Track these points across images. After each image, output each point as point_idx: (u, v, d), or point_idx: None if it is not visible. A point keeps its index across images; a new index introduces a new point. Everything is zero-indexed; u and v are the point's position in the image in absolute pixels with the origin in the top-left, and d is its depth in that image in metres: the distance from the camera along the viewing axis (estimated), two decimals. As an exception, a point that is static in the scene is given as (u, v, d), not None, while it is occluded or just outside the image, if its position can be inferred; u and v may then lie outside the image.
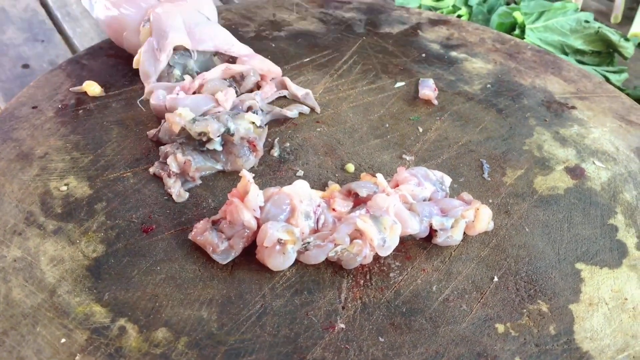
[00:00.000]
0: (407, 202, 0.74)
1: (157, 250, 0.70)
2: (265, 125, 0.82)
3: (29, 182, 0.76)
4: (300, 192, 0.71)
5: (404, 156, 0.84)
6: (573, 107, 0.93)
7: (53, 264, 0.68)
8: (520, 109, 0.92)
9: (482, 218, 0.73)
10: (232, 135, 0.75)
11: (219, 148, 0.76)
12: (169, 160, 0.74)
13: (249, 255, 0.70)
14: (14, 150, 0.80)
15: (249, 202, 0.68)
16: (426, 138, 0.86)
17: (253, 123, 0.77)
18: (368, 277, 0.69)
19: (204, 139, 0.73)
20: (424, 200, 0.76)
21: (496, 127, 0.89)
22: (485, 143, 0.86)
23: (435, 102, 0.91)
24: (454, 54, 1.03)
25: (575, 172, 0.83)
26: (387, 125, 0.88)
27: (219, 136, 0.75)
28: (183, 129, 0.74)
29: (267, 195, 0.71)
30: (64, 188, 0.75)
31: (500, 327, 0.66)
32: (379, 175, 0.74)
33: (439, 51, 1.04)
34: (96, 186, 0.76)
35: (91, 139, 0.82)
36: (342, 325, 0.65)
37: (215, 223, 0.71)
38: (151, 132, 0.80)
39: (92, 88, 0.86)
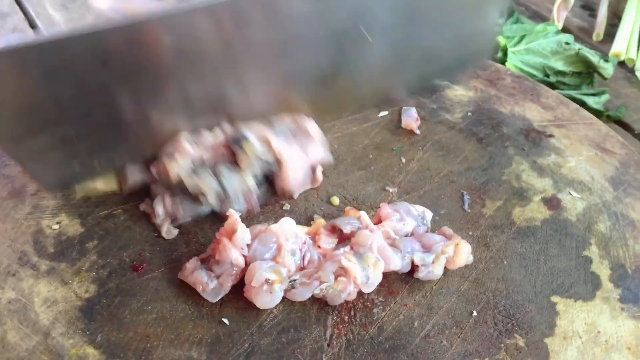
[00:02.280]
0: (390, 238, 0.76)
1: (148, 289, 0.72)
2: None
3: (22, 220, 0.77)
4: (286, 229, 0.73)
5: (387, 188, 0.86)
6: (551, 136, 0.96)
7: (47, 305, 0.69)
8: (499, 137, 0.94)
9: (462, 253, 0.75)
10: (227, 193, 0.75)
11: (215, 205, 0.76)
12: (156, 203, 0.76)
13: (237, 293, 0.71)
14: (6, 188, 0.81)
15: (237, 240, 0.70)
16: (409, 169, 0.88)
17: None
18: (352, 312, 0.71)
19: (201, 196, 0.74)
20: (406, 235, 0.78)
21: (476, 157, 0.91)
22: (465, 173, 0.88)
23: (418, 131, 0.93)
24: (436, 81, 1.04)
25: (551, 202, 0.86)
26: (371, 156, 0.90)
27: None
28: (180, 180, 0.75)
29: (254, 233, 0.73)
30: (56, 226, 0.77)
31: (479, 363, 0.68)
32: (363, 212, 0.76)
33: (421, 78, 1.06)
34: (87, 224, 0.78)
35: (82, 174, 0.83)
36: (328, 363, 0.67)
37: (204, 261, 0.73)
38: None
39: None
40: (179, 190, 0.75)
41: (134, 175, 0.77)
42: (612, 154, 0.94)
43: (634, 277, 0.78)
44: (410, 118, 0.94)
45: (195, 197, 0.74)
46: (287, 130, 0.81)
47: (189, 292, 0.72)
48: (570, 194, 0.87)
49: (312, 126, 0.82)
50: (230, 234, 0.70)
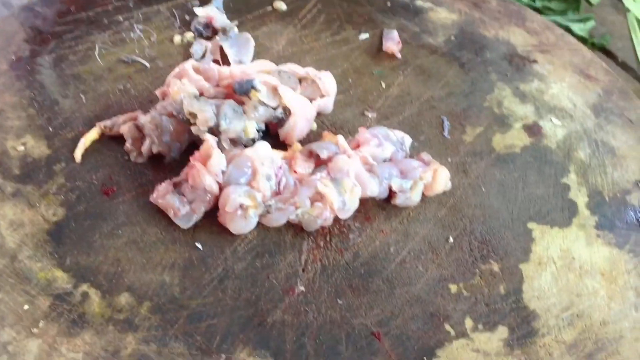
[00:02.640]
0: (368, 164, 0.74)
1: (118, 213, 0.70)
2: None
3: (-15, 141, 0.74)
4: (261, 154, 0.71)
5: (366, 113, 0.83)
6: (534, 61, 0.93)
7: (13, 228, 0.67)
8: (482, 62, 0.92)
9: (440, 179, 0.74)
10: (219, 131, 0.71)
11: (211, 140, 0.72)
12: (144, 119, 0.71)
13: (211, 218, 0.70)
14: (-33, 107, 0.77)
15: (212, 167, 0.68)
16: (389, 94, 0.86)
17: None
18: (328, 238, 0.70)
19: (192, 120, 0.70)
20: (384, 160, 0.76)
21: (458, 83, 0.88)
22: (446, 99, 0.86)
23: (399, 55, 0.90)
24: (419, 3, 1.01)
25: (532, 129, 0.84)
26: (351, 80, 0.87)
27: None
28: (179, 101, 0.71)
29: (229, 157, 0.71)
30: (21, 148, 0.74)
31: (453, 288, 0.68)
32: (340, 137, 0.74)
33: (404, 0, 1.01)
34: (54, 146, 0.75)
35: (47, 94, 0.80)
36: (302, 288, 0.66)
37: (176, 185, 0.71)
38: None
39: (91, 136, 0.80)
40: (173, 110, 0.71)
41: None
42: (596, 81, 0.92)
43: (611, 204, 0.77)
44: (392, 41, 0.90)
45: (187, 123, 0.70)
46: (295, 79, 0.77)
47: (161, 216, 0.70)
48: (551, 120, 0.86)
49: (327, 77, 0.78)
50: (205, 160, 0.68)
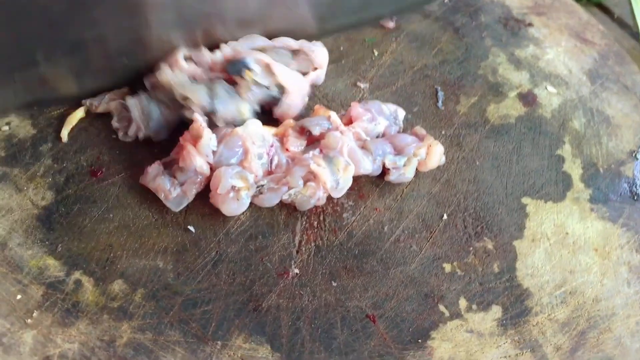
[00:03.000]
0: (361, 139, 0.72)
1: (108, 196, 0.68)
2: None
3: (-33, 121, 0.71)
4: (252, 132, 0.69)
5: (358, 84, 0.80)
6: (530, 24, 0.90)
7: (1, 214, 0.65)
8: (477, 27, 0.88)
9: (434, 155, 0.72)
10: (214, 114, 0.69)
11: (200, 120, 0.69)
12: (130, 102, 0.68)
13: (203, 199, 0.68)
14: (-52, 85, 0.73)
15: (202, 147, 0.66)
16: (381, 62, 0.83)
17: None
18: (322, 218, 0.69)
19: (186, 104, 0.67)
20: (378, 135, 0.74)
21: (452, 49, 0.85)
22: (440, 67, 0.83)
23: (392, 25, 0.86)
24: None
25: (527, 98, 0.82)
26: (342, 48, 0.84)
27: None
28: (169, 88, 0.68)
29: (220, 136, 0.68)
30: (6, 127, 0.71)
31: (448, 267, 0.67)
32: (333, 113, 0.71)
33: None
34: (39, 125, 0.72)
35: (30, 69, 0.76)
36: (297, 271, 0.65)
37: (166, 166, 0.69)
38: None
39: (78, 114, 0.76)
40: (166, 101, 0.68)
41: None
42: (592, 45, 0.89)
43: (605, 176, 0.76)
44: (384, 6, 0.86)
45: (178, 107, 0.67)
46: (288, 53, 0.73)
47: (152, 198, 0.68)
48: (546, 88, 0.83)
49: (319, 49, 0.75)
50: (195, 140, 0.65)
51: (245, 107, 0.67)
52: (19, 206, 0.66)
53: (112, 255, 0.64)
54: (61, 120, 0.72)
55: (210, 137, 0.66)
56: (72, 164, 0.69)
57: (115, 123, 0.70)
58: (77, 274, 0.63)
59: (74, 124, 0.70)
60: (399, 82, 0.81)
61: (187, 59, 0.69)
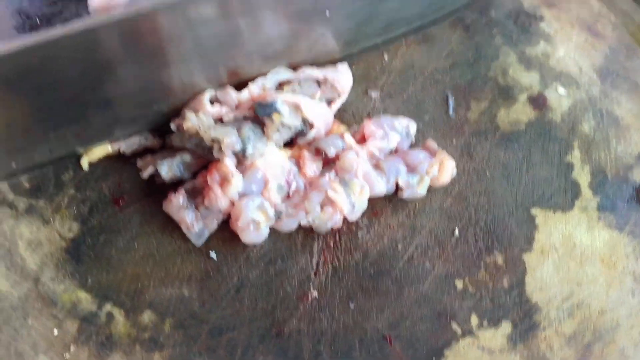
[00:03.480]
0: (375, 157, 0.73)
1: (132, 224, 0.69)
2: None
3: (-10, 152, 0.72)
4: (272, 163, 0.69)
5: (369, 92, 0.80)
6: (541, 19, 0.88)
7: (32, 248, 0.67)
8: (487, 24, 0.87)
9: (446, 172, 0.73)
10: (245, 157, 0.68)
11: (230, 165, 0.69)
12: (160, 164, 0.69)
13: (223, 224, 0.70)
14: (-33, 113, 0.74)
15: (229, 191, 0.67)
16: (392, 67, 0.82)
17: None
18: (338, 237, 0.71)
19: (216, 146, 0.67)
20: (390, 151, 0.74)
21: (462, 50, 0.84)
22: (451, 70, 0.82)
23: (402, 21, 0.85)
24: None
25: (537, 101, 0.81)
26: (352, 53, 0.83)
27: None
28: (196, 133, 0.67)
29: (241, 169, 0.69)
30: (28, 159, 0.71)
31: (459, 284, 0.69)
32: (347, 135, 0.72)
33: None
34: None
35: (46, 93, 0.76)
36: (315, 293, 0.67)
37: (189, 193, 0.70)
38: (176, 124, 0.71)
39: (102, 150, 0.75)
40: (192, 145, 0.68)
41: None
42: (603, 39, 0.87)
43: (613, 182, 0.77)
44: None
45: (206, 149, 0.67)
46: (315, 85, 0.73)
47: (174, 224, 0.70)
48: (556, 90, 0.83)
49: (344, 74, 0.75)
50: (222, 182, 0.66)
51: (272, 146, 0.68)
52: (47, 239, 0.68)
53: (139, 285, 0.66)
54: (80, 147, 0.73)
55: (239, 181, 0.66)
56: (95, 192, 0.71)
57: (140, 163, 0.70)
58: (108, 306, 0.65)
59: (96, 158, 0.71)
60: (410, 88, 0.81)
61: (213, 100, 0.68)
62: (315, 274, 0.69)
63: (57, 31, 0.52)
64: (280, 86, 0.74)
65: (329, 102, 0.77)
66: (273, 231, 0.70)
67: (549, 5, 0.90)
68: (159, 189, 0.71)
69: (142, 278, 0.67)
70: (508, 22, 0.88)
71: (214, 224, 0.68)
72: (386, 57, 0.84)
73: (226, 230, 0.70)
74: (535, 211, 0.75)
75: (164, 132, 0.72)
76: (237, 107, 0.69)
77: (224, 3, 0.57)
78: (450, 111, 0.80)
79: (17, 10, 0.78)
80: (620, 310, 0.70)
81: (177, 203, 0.69)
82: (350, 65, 0.81)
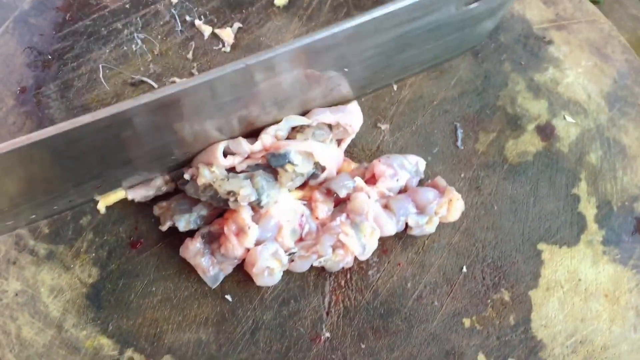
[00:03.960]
0: (385, 197, 0.73)
1: (149, 268, 0.71)
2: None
3: (9, 197, 0.72)
4: (285, 209, 0.70)
5: (379, 124, 0.80)
6: (550, 42, 0.87)
7: (54, 295, 0.69)
8: (496, 49, 0.86)
9: (455, 211, 0.74)
10: (261, 207, 0.68)
11: (247, 218, 0.69)
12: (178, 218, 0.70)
13: (237, 266, 0.71)
14: (-15, 157, 0.74)
15: (245, 242, 0.68)
16: (401, 98, 0.82)
17: None
18: (349, 276, 0.72)
19: (232, 198, 0.67)
20: (400, 189, 0.75)
21: (471, 77, 0.84)
22: (459, 100, 0.82)
23: (410, 48, 0.84)
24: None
25: (545, 131, 0.81)
26: (362, 84, 0.82)
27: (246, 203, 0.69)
28: (210, 185, 0.68)
29: (255, 218, 0.70)
30: (46, 204, 0.72)
31: (467, 322, 0.71)
32: (358, 179, 0.72)
33: (413, -31, 0.92)
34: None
35: (60, 134, 0.76)
36: (327, 334, 0.69)
37: (205, 237, 0.71)
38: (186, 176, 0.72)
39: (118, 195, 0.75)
40: (207, 198, 0.68)
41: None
42: (612, 63, 0.86)
43: (619, 214, 0.77)
44: (403, 35, 0.83)
45: (222, 200, 0.68)
46: (327, 129, 0.73)
47: (190, 267, 0.71)
48: (564, 118, 0.82)
49: (355, 115, 0.74)
50: (239, 231, 0.67)
51: (284, 192, 0.68)
52: (68, 286, 0.69)
53: (158, 330, 0.68)
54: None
55: (255, 231, 0.67)
56: (112, 236, 0.72)
57: (157, 211, 0.71)
58: (129, 352, 0.67)
59: (112, 202, 0.72)
60: (419, 120, 0.81)
61: (225, 152, 0.69)
62: (327, 314, 0.70)
63: (92, 116, 0.52)
64: (292, 131, 0.73)
65: (339, 141, 0.76)
66: (286, 271, 0.72)
67: (559, 28, 0.89)
68: (174, 231, 0.72)
69: (161, 322, 0.69)
70: (517, 46, 0.87)
71: (229, 269, 0.69)
72: (395, 87, 0.83)
73: (240, 272, 0.71)
74: (541, 246, 0.75)
75: (177, 177, 0.72)
76: (250, 156, 0.70)
77: (248, 73, 0.57)
78: (459, 142, 0.80)
79: (28, 47, 0.77)
80: (622, 346, 0.71)
81: (194, 249, 0.70)
82: (360, 97, 0.81)
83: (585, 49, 0.87)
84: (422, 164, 0.76)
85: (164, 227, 0.69)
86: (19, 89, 0.79)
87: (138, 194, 0.70)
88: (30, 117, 0.78)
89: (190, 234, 0.70)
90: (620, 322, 0.72)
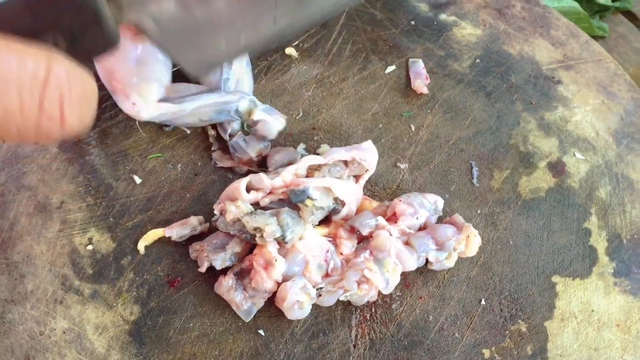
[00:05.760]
0: (406, 234, 0.78)
1: (186, 305, 0.76)
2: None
3: (55, 240, 0.78)
4: (311, 245, 0.75)
5: (398, 164, 0.85)
6: (559, 82, 0.92)
7: (99, 332, 0.73)
8: (507, 90, 0.91)
9: (472, 247, 0.78)
10: (286, 242, 0.74)
11: (273, 251, 0.74)
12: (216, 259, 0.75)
13: (268, 299, 0.75)
14: (31, 202, 0.80)
15: (273, 274, 0.72)
16: (418, 138, 0.87)
17: None
18: (374, 310, 0.76)
19: (258, 234, 0.72)
20: (420, 226, 0.79)
21: (485, 118, 0.88)
22: (474, 139, 0.87)
23: (427, 91, 0.89)
24: (443, 16, 0.97)
25: (556, 168, 0.86)
26: (381, 126, 0.87)
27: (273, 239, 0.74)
28: (238, 220, 0.73)
29: (283, 252, 0.75)
30: (90, 247, 0.78)
31: (487, 353, 0.75)
32: (380, 217, 0.77)
33: (427, 14, 0.98)
34: (118, 237, 0.79)
35: (101, 178, 0.82)
36: (355, 366, 0.73)
37: (237, 275, 0.75)
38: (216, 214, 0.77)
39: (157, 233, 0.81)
40: (235, 231, 0.73)
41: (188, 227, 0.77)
42: (619, 101, 0.91)
43: (628, 247, 0.81)
44: (420, 79, 0.89)
45: (251, 237, 0.73)
46: (343, 166, 0.78)
47: (224, 303, 0.76)
48: (574, 155, 0.87)
49: (370, 152, 0.79)
50: (267, 265, 0.72)
51: (310, 228, 0.73)
52: (112, 323, 0.74)
53: (197, 364, 0.73)
54: (135, 230, 0.79)
55: (282, 264, 0.72)
56: (151, 275, 0.77)
57: (193, 253, 0.76)
58: (170, 385, 0.72)
59: (151, 241, 0.77)
60: (436, 158, 0.85)
61: (248, 187, 0.74)
62: (354, 347, 0.75)
63: None
64: (310, 170, 0.79)
65: (357, 177, 0.81)
66: (314, 306, 0.76)
67: (567, 68, 0.93)
68: (210, 270, 0.77)
69: (199, 357, 0.73)
70: (527, 86, 0.92)
71: (260, 302, 0.74)
72: (412, 127, 0.88)
73: (272, 308, 0.76)
74: (555, 279, 0.80)
75: (210, 216, 0.77)
76: (272, 191, 0.75)
77: None
78: (475, 180, 0.85)
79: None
80: (635, 374, 0.75)
81: (227, 285, 0.75)
82: (379, 138, 0.86)
83: (593, 87, 0.92)
84: (440, 202, 0.81)
85: (203, 269, 0.74)
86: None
87: (175, 233, 0.75)
88: (72, 164, 0.83)
89: (224, 271, 0.75)
90: (632, 350, 0.76)
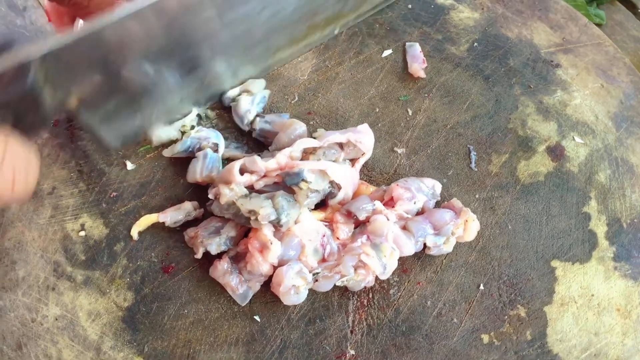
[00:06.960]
0: (403, 219, 0.77)
1: (181, 291, 0.74)
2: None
3: (46, 226, 0.77)
4: (307, 229, 0.74)
5: (395, 149, 0.84)
6: (558, 65, 0.90)
7: (91, 319, 0.72)
8: (506, 73, 0.89)
9: (471, 231, 0.77)
10: (281, 226, 0.72)
11: (268, 234, 0.73)
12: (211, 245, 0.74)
13: (265, 286, 0.74)
14: (22, 188, 0.78)
15: (270, 258, 0.71)
16: (416, 122, 0.85)
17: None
18: (371, 295, 0.75)
19: (252, 217, 0.71)
20: (418, 211, 0.78)
21: (482, 102, 0.87)
22: (472, 124, 0.86)
23: (424, 75, 0.88)
24: (440, 0, 0.95)
25: (555, 152, 0.85)
26: (378, 110, 0.86)
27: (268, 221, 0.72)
28: (233, 203, 0.71)
29: (279, 236, 0.74)
30: (82, 233, 0.76)
31: (485, 337, 0.74)
32: (377, 202, 0.76)
33: (424, -2, 0.96)
34: (111, 223, 0.77)
35: (93, 164, 0.81)
36: (352, 352, 0.72)
37: (233, 259, 0.74)
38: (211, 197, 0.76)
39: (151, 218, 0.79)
40: (230, 215, 0.72)
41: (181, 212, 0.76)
42: (618, 84, 0.90)
43: (628, 231, 0.80)
44: (417, 62, 0.88)
45: (244, 218, 0.72)
46: (338, 148, 0.77)
47: (220, 289, 0.74)
48: (573, 139, 0.86)
49: (365, 134, 0.78)
50: (262, 248, 0.71)
51: (305, 211, 0.72)
52: (105, 310, 0.73)
53: (191, 351, 0.72)
54: (128, 216, 0.77)
55: (277, 247, 0.71)
56: (145, 261, 0.76)
57: (187, 239, 0.75)
58: (164, 372, 0.70)
59: (145, 227, 0.75)
60: (434, 143, 0.84)
61: (242, 169, 0.73)
62: (351, 332, 0.74)
63: None
64: (305, 154, 0.77)
65: (353, 161, 0.80)
66: (311, 291, 0.75)
67: (566, 51, 0.92)
68: (205, 255, 0.76)
69: (194, 343, 0.72)
70: (526, 70, 0.91)
71: (256, 286, 0.73)
72: (410, 111, 0.87)
73: (268, 294, 0.75)
74: (555, 263, 0.79)
75: (204, 201, 0.76)
76: (266, 174, 0.73)
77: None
78: (473, 165, 0.84)
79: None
80: (635, 358, 0.74)
81: (222, 269, 0.73)
82: (376, 123, 0.84)
83: (592, 71, 0.91)
84: (438, 187, 0.80)
85: (199, 255, 0.72)
86: (52, 122, 0.83)
87: (169, 218, 0.74)
88: (64, 149, 0.81)
89: (220, 255, 0.74)
90: (633, 335, 0.75)
